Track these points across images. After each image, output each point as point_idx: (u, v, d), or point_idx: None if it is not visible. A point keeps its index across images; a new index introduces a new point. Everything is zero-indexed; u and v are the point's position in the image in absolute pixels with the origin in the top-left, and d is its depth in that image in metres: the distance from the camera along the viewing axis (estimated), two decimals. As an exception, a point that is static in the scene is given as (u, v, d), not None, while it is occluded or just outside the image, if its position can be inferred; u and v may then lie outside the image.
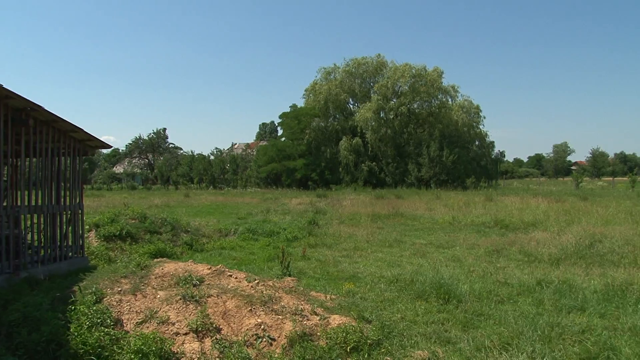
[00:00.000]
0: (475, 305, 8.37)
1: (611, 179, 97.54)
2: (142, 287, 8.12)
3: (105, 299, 7.65)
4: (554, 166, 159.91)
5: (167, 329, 6.90)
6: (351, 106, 67.80)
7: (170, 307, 7.38)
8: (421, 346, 6.55)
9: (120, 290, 7.96)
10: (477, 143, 66.20)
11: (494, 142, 69.31)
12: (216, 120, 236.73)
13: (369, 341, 6.45)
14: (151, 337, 6.41)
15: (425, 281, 9.41)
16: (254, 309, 7.27)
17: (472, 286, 9.47)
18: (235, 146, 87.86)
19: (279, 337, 6.72)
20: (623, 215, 22.90)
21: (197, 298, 7.55)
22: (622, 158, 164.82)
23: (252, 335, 6.73)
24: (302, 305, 7.59)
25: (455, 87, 64.89)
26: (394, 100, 61.47)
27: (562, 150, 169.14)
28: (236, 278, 8.68)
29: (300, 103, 67.93)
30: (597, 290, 9.24)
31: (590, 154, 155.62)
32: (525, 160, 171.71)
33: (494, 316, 7.79)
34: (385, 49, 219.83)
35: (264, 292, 7.88)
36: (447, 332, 7.13)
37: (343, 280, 10.45)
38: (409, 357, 6.26)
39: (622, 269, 11.31)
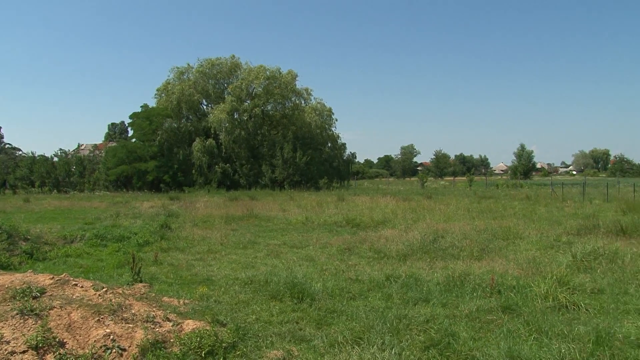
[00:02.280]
0: (328, 302, 8.57)
1: (452, 178, 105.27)
2: (-29, 304, 7.38)
3: None
4: (402, 167, 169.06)
5: (1, 349, 6.32)
6: (205, 107, 66.71)
7: (5, 323, 6.74)
8: (276, 346, 6.58)
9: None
10: (329, 145, 68.13)
11: (345, 143, 71.82)
12: (60, 120, 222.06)
13: (224, 344, 6.38)
14: (-20, 360, 5.84)
15: (279, 281, 9.48)
16: (102, 318, 6.89)
17: (325, 284, 9.70)
18: (82, 147, 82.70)
19: (129, 346, 6.43)
20: (462, 212, 24.81)
21: (38, 311, 6.99)
22: (462, 159, 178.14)
23: (101, 347, 6.37)
24: (154, 311, 7.33)
25: (309, 90, 66.39)
26: (248, 101, 61.43)
27: (409, 151, 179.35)
28: (82, 287, 8.18)
29: (152, 103, 65.56)
30: (439, 282, 9.89)
31: (434, 155, 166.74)
32: (375, 161, 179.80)
33: (346, 312, 8.02)
34: (240, 51, 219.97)
35: (113, 300, 7.50)
36: (301, 331, 7.24)
37: (197, 284, 10.25)
38: (265, 357, 6.27)
39: (461, 261, 12.23)
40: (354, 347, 6.34)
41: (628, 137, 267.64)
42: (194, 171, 58.09)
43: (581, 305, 8.22)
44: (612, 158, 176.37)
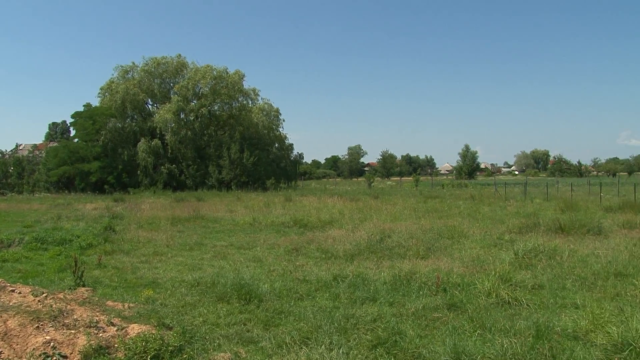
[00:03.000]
0: (276, 303, 8.55)
1: (399, 178, 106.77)
2: None
3: None
4: (349, 167, 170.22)
5: None
6: (150, 107, 65.49)
7: None
8: (224, 348, 6.52)
9: None
10: (277, 145, 68.08)
11: (293, 144, 72.14)
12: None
13: (170, 348, 6.27)
14: None
15: (226, 283, 9.39)
16: (41, 325, 6.67)
17: (273, 285, 9.67)
18: (21, 147, 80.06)
19: (71, 353, 6.24)
20: (408, 211, 25.17)
21: (-29, 319, 6.72)
22: (408, 160, 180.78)
23: (40, 355, 6.16)
24: (97, 316, 7.15)
25: (256, 90, 66.17)
26: (195, 101, 60.71)
27: (356, 152, 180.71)
28: (20, 293, 7.90)
29: (95, 102, 63.82)
30: (386, 281, 9.99)
31: (381, 155, 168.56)
32: (323, 161, 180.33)
33: (294, 313, 8.00)
34: (186, 50, 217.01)
35: (54, 305, 7.27)
36: (249, 332, 7.19)
37: (142, 287, 10.04)
38: (212, 360, 6.21)
39: (407, 260, 12.37)
40: (301, 348, 6.34)
41: (566, 138, 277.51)
42: (139, 172, 56.93)
43: (522, 301, 8.46)
44: (551, 158, 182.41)
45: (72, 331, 6.60)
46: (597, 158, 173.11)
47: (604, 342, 6.33)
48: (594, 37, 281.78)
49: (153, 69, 63.00)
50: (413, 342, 6.55)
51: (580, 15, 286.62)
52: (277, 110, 67.69)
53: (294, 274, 11.06)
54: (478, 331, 6.95)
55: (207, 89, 60.49)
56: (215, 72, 60.95)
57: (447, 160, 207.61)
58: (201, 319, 7.71)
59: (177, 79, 63.81)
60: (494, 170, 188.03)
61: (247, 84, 65.31)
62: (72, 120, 62.49)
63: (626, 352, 5.90)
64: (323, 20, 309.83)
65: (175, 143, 57.86)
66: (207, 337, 6.87)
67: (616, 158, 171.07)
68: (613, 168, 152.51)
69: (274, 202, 31.98)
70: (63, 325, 6.75)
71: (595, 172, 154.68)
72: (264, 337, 6.90)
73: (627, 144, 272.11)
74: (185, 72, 63.91)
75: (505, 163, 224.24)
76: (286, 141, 70.35)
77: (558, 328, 6.99)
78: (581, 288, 9.54)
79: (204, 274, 10.90)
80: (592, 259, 11.89)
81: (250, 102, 65.68)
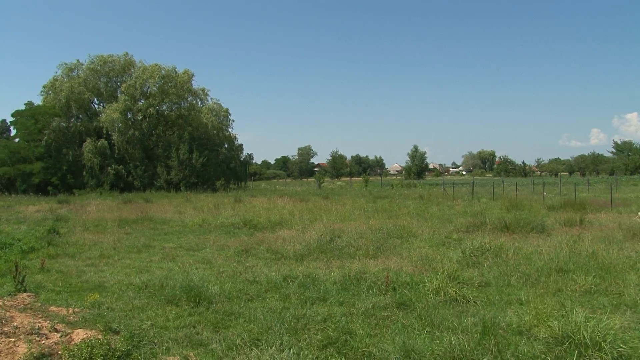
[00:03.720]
0: (226, 305, 8.48)
1: (349, 179, 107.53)
2: None
3: None
4: (299, 168, 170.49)
5: None
6: (96, 106, 63.62)
7: None
8: (173, 352, 6.44)
9: None
10: (226, 146, 67.57)
11: (242, 144, 71.69)
12: None
13: (117, 353, 6.13)
14: None
15: (175, 285, 9.27)
16: (-21, 333, 6.43)
17: (223, 287, 9.58)
18: (-44, 147, 76.81)
19: (12, 361, 6.04)
20: (358, 211, 25.40)
21: None
22: (358, 160, 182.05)
23: (-22, 364, 5.95)
24: (39, 323, 6.94)
25: (205, 90, 65.49)
26: (143, 101, 59.48)
27: (306, 152, 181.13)
28: (-43, 299, 7.60)
29: (38, 100, 61.60)
30: (336, 281, 10.05)
31: (331, 156, 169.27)
32: (273, 162, 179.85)
33: (244, 314, 7.97)
34: (133, 49, 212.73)
35: (-7, 312, 7.02)
36: (198, 335, 7.11)
37: (88, 291, 9.79)
38: (160, 364, 6.12)
39: (357, 260, 12.47)
40: (252, 349, 6.31)
41: (511, 139, 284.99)
42: (84, 173, 55.41)
43: (470, 298, 8.66)
44: (497, 159, 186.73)
45: (12, 339, 6.38)
46: (540, 158, 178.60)
47: (546, 335, 6.54)
48: (536, 42, 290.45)
49: (99, 67, 61.29)
50: (363, 341, 6.61)
51: (521, 19, 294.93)
52: (227, 111, 67.30)
53: (243, 275, 11.01)
54: (427, 329, 7.07)
55: (155, 89, 59.36)
56: (163, 72, 59.91)
57: (396, 160, 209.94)
58: (149, 323, 7.58)
59: (124, 78, 62.32)
60: (442, 171, 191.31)
61: (196, 84, 64.64)
62: (12, 119, 60.07)
63: (566, 345, 6.11)
64: (272, 21, 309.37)
65: (123, 143, 56.60)
66: (155, 341, 6.76)
67: (558, 158, 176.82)
68: (555, 168, 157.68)
69: (223, 203, 31.72)
70: (1, 333, 6.52)
71: (538, 172, 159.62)
72: (214, 340, 6.84)
73: (568, 145, 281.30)
74: (132, 71, 62.44)
75: (453, 163, 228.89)
76: (236, 142, 69.96)
77: (503, 324, 7.20)
78: (525, 284, 9.83)
79: (152, 277, 10.73)
80: (536, 256, 12.25)
81: (199, 102, 64.97)
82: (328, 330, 7.04)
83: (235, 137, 69.55)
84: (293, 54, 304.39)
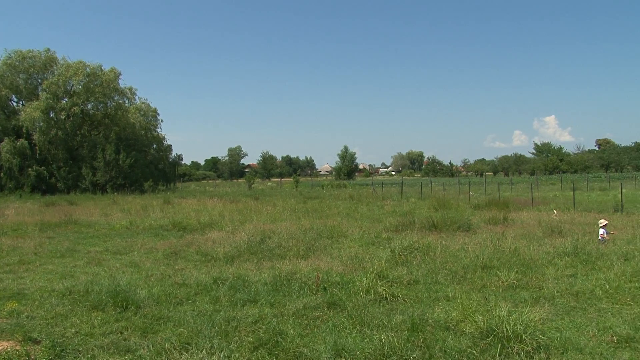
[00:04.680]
0: (155, 309, 8.31)
1: (279, 179, 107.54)
2: None
3: None
4: (229, 169, 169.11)
5: None
6: (15, 104, 60.84)
7: None
8: (99, 359, 6.25)
9: None
10: (154, 146, 66.31)
11: (171, 145, 70.58)
12: None
13: (38, 363, 5.91)
14: None
15: (101, 290, 8.99)
16: None
17: (151, 290, 9.40)
18: None
19: None
20: (288, 212, 25.45)
21: None
22: (288, 161, 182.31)
23: None
24: (-48, 333, 6.58)
25: (133, 89, 63.93)
26: (66, 99, 57.18)
27: (236, 153, 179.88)
28: None
29: (-52, 96, 58.32)
30: (267, 282, 10.03)
31: (261, 157, 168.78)
32: (203, 163, 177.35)
33: (173, 318, 7.83)
34: (57, 46, 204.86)
35: None
36: (126, 341, 6.93)
37: (5, 299, 9.33)
38: (85, 373, 5.92)
39: (287, 260, 12.51)
40: (182, 354, 6.22)
41: (439, 140, 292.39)
42: (2, 174, 52.88)
43: (399, 296, 8.84)
44: (425, 159, 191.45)
45: None
46: (466, 159, 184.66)
47: (472, 330, 6.78)
48: (460, 45, 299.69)
49: (17, 63, 58.25)
50: (294, 341, 6.62)
51: (447, 22, 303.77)
52: (155, 110, 65.99)
53: (173, 279, 10.82)
54: (357, 327, 7.17)
55: (80, 87, 57.18)
56: (88, 69, 57.80)
57: (326, 161, 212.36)
58: (73, 330, 7.33)
59: (45, 75, 59.59)
60: (372, 171, 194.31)
61: (123, 83, 62.89)
62: None
63: (490, 338, 6.36)
64: (201, 21, 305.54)
65: (45, 143, 54.32)
66: (80, 349, 6.54)
67: (483, 159, 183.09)
68: (480, 168, 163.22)
69: (152, 204, 31.08)
70: None
71: (465, 172, 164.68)
72: (142, 345, 6.69)
73: (492, 146, 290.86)
74: (55, 68, 59.85)
75: (383, 164, 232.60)
76: (165, 142, 68.71)
77: (431, 320, 7.40)
78: (452, 281, 10.15)
79: (76, 282, 10.36)
80: (462, 253, 12.65)
81: (126, 102, 63.32)
82: (259, 331, 7.02)
83: (164, 138, 68.39)
84: (223, 55, 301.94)
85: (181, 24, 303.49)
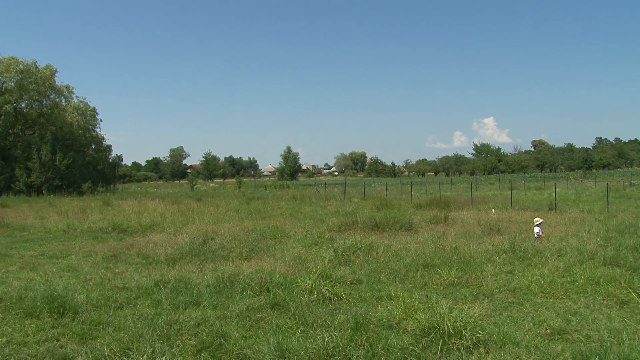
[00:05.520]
0: (93, 314, 8.08)
1: (222, 180, 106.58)
2: None
3: None
4: (171, 169, 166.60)
5: None
6: (-60, 101, 58.09)
7: None
8: (32, 368, 6.02)
9: None
10: (93, 147, 64.81)
11: (111, 145, 69.33)
12: None
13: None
14: None
15: (36, 296, 8.67)
16: None
17: (90, 295, 9.13)
18: None
19: None
20: (231, 213, 25.28)
21: None
22: (231, 161, 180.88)
23: None
24: None
25: (70, 88, 62.17)
26: (-3, 97, 55.10)
27: (178, 154, 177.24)
28: None
29: None
30: (209, 284, 9.89)
31: (204, 157, 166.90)
32: (144, 164, 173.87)
33: (113, 323, 7.63)
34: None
35: None
36: (62, 348, 6.69)
37: None
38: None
39: (230, 262, 12.40)
40: (122, 359, 6.06)
41: (381, 141, 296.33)
42: None
43: (342, 296, 8.89)
44: (368, 160, 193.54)
45: None
46: (408, 159, 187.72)
47: (414, 328, 6.89)
48: (401, 47, 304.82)
49: (-58, 57, 55.75)
50: (238, 343, 6.57)
51: (390, 24, 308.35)
52: (94, 110, 64.48)
53: (112, 282, 10.55)
54: (301, 328, 7.17)
55: (13, 84, 55.13)
56: (22, 66, 55.74)
57: (269, 161, 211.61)
58: (5, 339, 7.02)
59: (-26, 71, 57.25)
60: (315, 171, 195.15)
61: (60, 81, 61.11)
62: None
63: (432, 335, 6.48)
64: (140, 21, 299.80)
65: (-25, 143, 52.12)
66: (11, 359, 6.27)
67: (425, 159, 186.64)
68: (422, 169, 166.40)
69: (90, 206, 30.30)
70: None
71: (407, 172, 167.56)
72: (80, 352, 6.47)
73: (433, 147, 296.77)
74: (-16, 63, 57.55)
75: (326, 164, 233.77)
76: (104, 142, 67.34)
77: (374, 319, 7.50)
78: (395, 280, 10.28)
79: (8, 288, 9.92)
80: (404, 252, 12.82)
81: (64, 100, 61.56)
82: (202, 334, 6.92)
83: (103, 138, 67.01)
84: (164, 55, 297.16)
85: (120, 24, 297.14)
